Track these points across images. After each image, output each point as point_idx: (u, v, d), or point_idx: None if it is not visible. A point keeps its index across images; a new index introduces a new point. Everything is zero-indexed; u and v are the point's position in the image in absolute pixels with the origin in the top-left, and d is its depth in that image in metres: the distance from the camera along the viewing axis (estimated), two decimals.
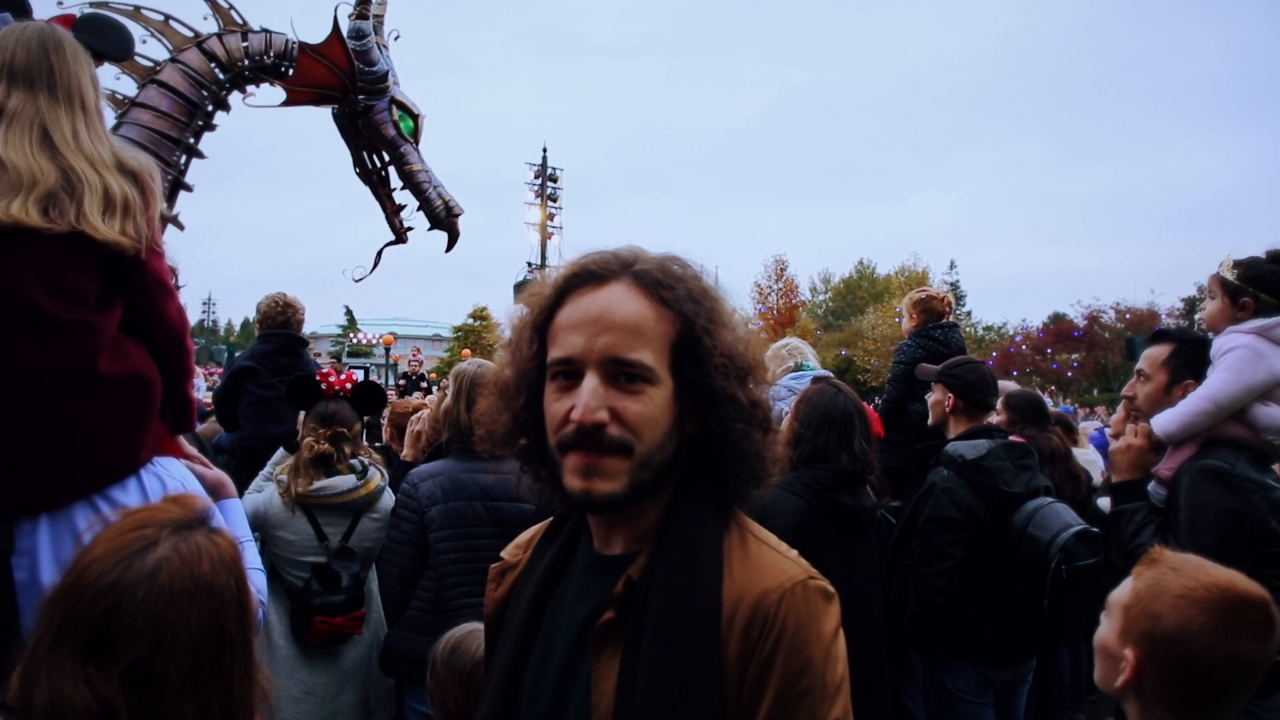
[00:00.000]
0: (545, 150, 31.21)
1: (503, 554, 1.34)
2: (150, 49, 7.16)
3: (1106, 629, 1.49)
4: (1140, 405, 2.70)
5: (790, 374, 3.99)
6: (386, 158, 7.65)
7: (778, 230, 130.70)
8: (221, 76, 7.07)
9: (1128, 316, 38.82)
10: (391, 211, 8.11)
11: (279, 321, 4.50)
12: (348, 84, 7.30)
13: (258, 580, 1.94)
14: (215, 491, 1.96)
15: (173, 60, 7.09)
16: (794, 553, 1.12)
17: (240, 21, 7.21)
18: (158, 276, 1.85)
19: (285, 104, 7.15)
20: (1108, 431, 5.71)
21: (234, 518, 2.01)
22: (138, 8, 7.20)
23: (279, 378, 4.22)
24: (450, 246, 8.12)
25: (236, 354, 4.95)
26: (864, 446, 2.69)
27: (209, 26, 7.08)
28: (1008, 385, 4.26)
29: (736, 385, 1.09)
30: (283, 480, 2.98)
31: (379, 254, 8.21)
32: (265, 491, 3.04)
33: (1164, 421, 2.53)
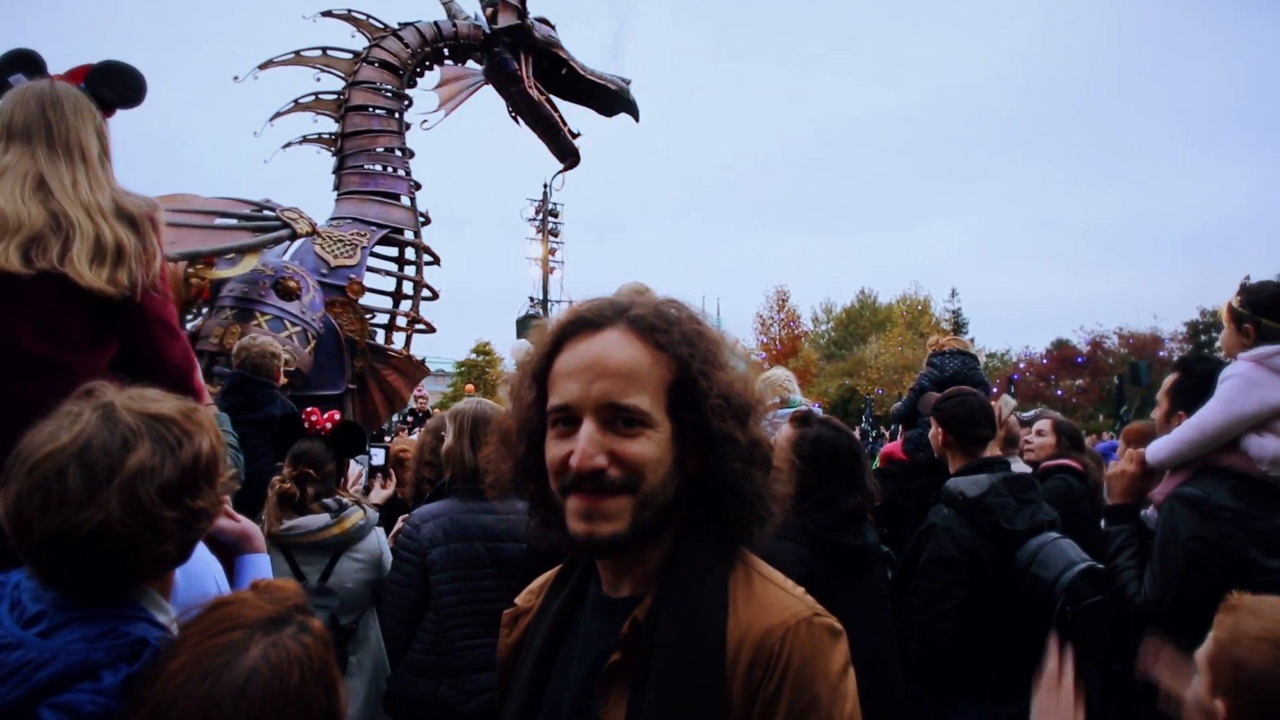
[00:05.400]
0: (546, 185, 31.50)
1: (516, 600, 1.34)
2: (326, 83, 7.92)
3: (1197, 686, 1.45)
4: (1156, 428, 2.78)
5: (778, 410, 3.98)
6: (534, 86, 8.65)
7: (787, 261, 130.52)
8: (401, 76, 7.88)
9: (1131, 341, 38.70)
10: (565, 131, 9.14)
11: (238, 361, 4.51)
12: (524, 11, 8.42)
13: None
14: (239, 545, 1.86)
15: (353, 84, 7.76)
16: (800, 590, 1.11)
17: (380, 26, 8.03)
18: (159, 316, 1.86)
19: (486, 44, 8.32)
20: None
21: (258, 574, 1.87)
22: (297, 53, 7.83)
23: (233, 417, 4.20)
24: (637, 116, 9.44)
25: None
26: (869, 484, 2.61)
27: (358, 42, 7.91)
28: (1051, 413, 4.49)
29: (735, 425, 1.10)
30: (262, 520, 2.96)
31: (550, 184, 9.77)
32: None
33: (1155, 448, 2.62)
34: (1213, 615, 2.25)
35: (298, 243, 6.63)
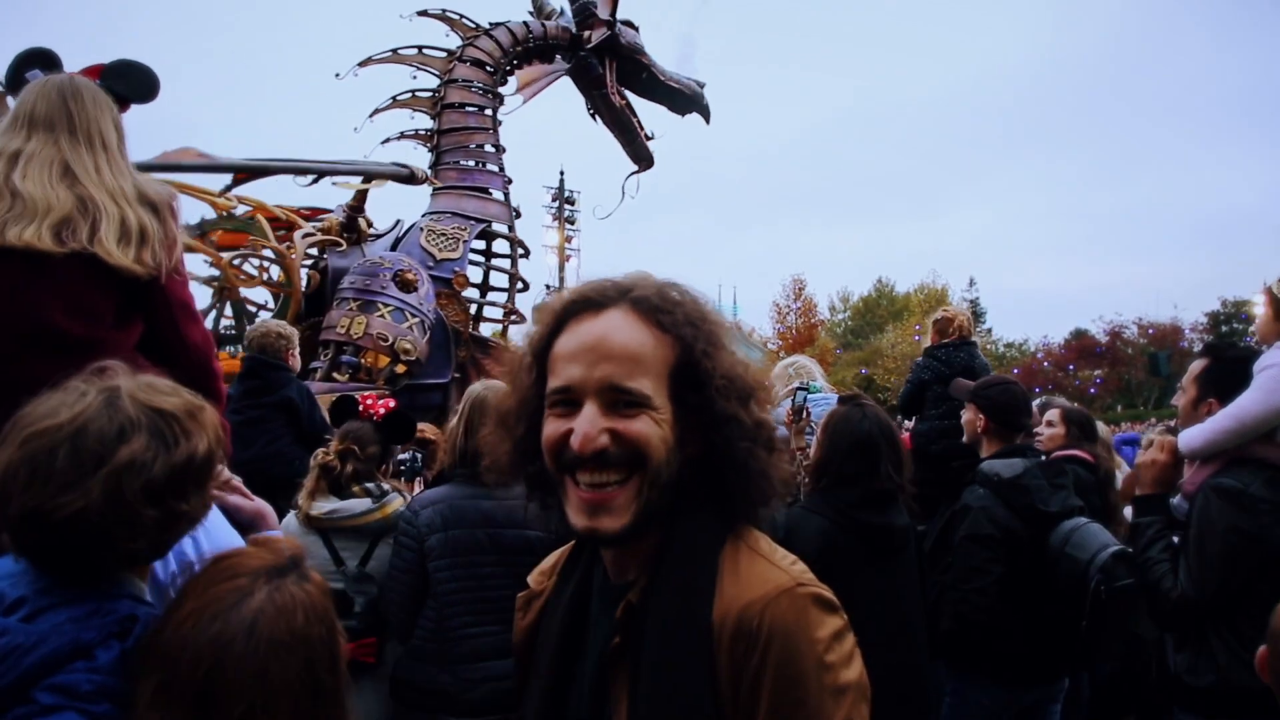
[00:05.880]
0: (562, 173, 31.49)
1: (529, 580, 1.34)
2: (421, 80, 8.17)
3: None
4: (1179, 417, 2.71)
5: (791, 395, 3.96)
6: (615, 91, 8.97)
7: (804, 251, 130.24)
8: (493, 74, 8.19)
9: (1150, 331, 38.34)
10: (642, 136, 9.44)
11: (247, 342, 4.56)
12: (614, 21, 8.73)
13: None
14: (254, 524, 1.88)
15: (449, 82, 8.04)
16: (789, 559, 1.09)
17: (473, 25, 8.33)
18: (180, 299, 1.94)
19: (577, 46, 8.60)
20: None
21: None
22: (395, 50, 8.12)
23: (249, 400, 4.22)
24: (709, 118, 9.71)
25: None
26: (889, 471, 2.64)
27: (451, 42, 8.23)
28: (1059, 401, 4.39)
29: (739, 406, 1.09)
30: (299, 503, 2.93)
31: (625, 186, 9.81)
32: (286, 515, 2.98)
33: (1189, 438, 2.52)
34: (1248, 608, 2.20)
35: (405, 237, 7.02)
